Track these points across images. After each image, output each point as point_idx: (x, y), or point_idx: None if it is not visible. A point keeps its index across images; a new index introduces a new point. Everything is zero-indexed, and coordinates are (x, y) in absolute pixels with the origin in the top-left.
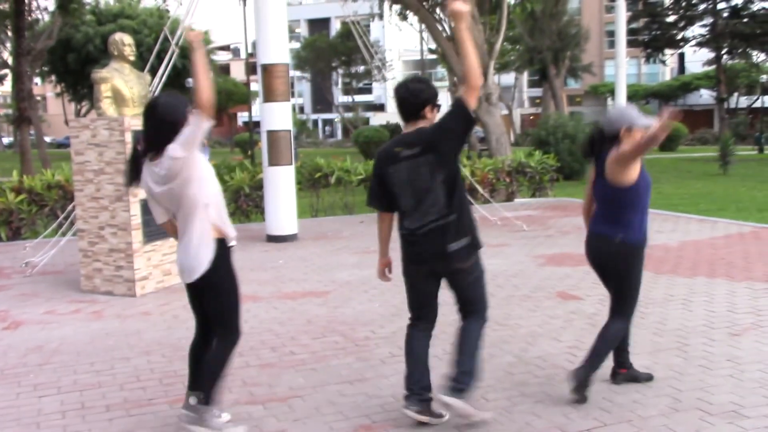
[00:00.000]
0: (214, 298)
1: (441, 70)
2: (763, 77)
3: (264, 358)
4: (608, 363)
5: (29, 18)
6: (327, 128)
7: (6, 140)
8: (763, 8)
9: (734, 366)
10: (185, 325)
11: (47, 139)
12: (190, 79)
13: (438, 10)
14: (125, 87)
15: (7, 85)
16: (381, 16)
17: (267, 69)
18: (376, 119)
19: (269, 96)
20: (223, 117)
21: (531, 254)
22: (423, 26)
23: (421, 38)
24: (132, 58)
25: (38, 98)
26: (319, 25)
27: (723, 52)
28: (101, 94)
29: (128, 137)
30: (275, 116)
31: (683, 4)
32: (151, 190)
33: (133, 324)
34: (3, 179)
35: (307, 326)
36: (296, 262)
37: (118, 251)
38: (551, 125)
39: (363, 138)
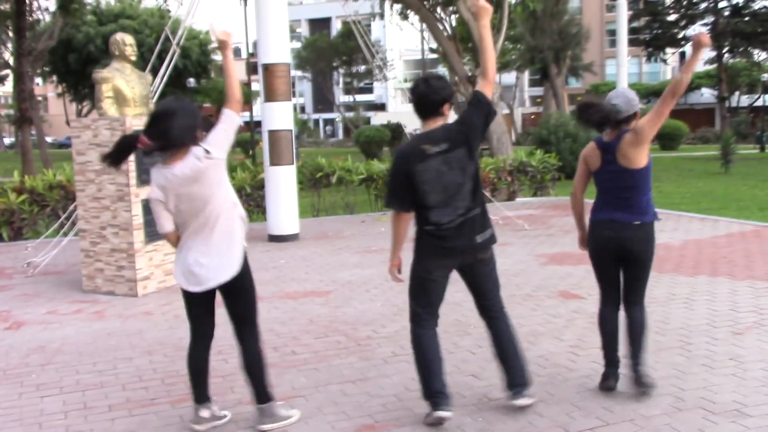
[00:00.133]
0: (244, 296)
1: (442, 70)
2: (765, 76)
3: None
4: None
5: (30, 18)
6: (328, 128)
7: (7, 141)
8: (764, 7)
9: (737, 365)
10: (187, 324)
11: (48, 139)
12: (191, 79)
13: (439, 10)
14: (126, 87)
15: (9, 86)
16: (382, 16)
17: (268, 69)
18: (377, 119)
19: (270, 96)
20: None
21: (532, 253)
22: (424, 26)
23: (422, 38)
24: (133, 58)
25: (39, 98)
26: (320, 24)
27: (724, 50)
28: (102, 94)
29: None
30: (276, 116)
31: (684, 2)
32: (166, 195)
33: (135, 324)
34: (4, 179)
35: (309, 326)
36: (298, 262)
37: (119, 251)
38: (552, 124)
39: (364, 138)
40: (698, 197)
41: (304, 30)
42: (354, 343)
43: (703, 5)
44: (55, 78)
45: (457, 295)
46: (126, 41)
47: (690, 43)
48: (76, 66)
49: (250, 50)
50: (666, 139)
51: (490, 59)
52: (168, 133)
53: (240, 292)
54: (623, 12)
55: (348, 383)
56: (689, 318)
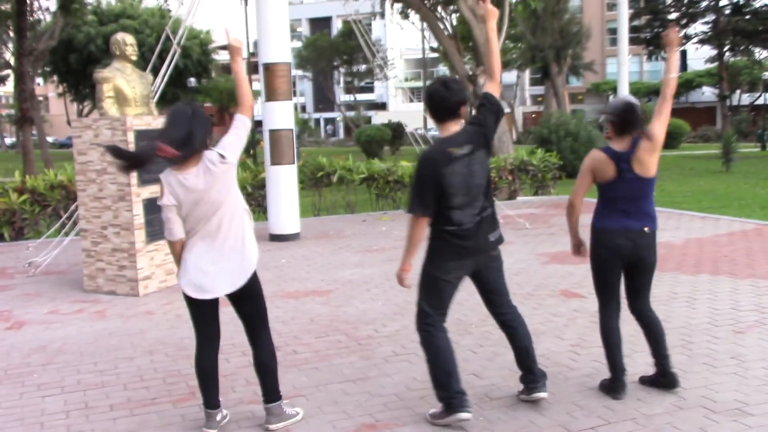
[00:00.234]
0: (255, 299)
1: (443, 69)
2: (766, 74)
3: None
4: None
5: (31, 18)
6: (329, 127)
7: (8, 140)
8: (765, 5)
9: (738, 363)
10: (188, 324)
11: (49, 139)
12: (192, 79)
13: (439, 9)
14: (127, 87)
15: (10, 86)
16: (382, 15)
17: (269, 68)
18: (378, 118)
19: (271, 95)
20: (224, 116)
21: (534, 252)
22: (424, 25)
23: (423, 37)
24: (134, 57)
25: (40, 98)
26: (320, 24)
27: (725, 49)
28: (103, 93)
29: (131, 137)
30: (277, 115)
31: (685, 1)
32: (180, 200)
33: (137, 323)
34: (6, 179)
35: (310, 325)
36: (298, 261)
37: (121, 251)
38: (553, 123)
39: (365, 137)
40: (699, 196)
41: (304, 29)
42: (355, 342)
43: (704, 3)
44: (55, 78)
45: (457, 295)
46: (127, 41)
47: (691, 42)
48: (77, 66)
49: (251, 50)
50: (667, 138)
51: (496, 61)
52: (193, 141)
53: (250, 296)
54: (624, 10)
55: (349, 382)
56: (690, 317)
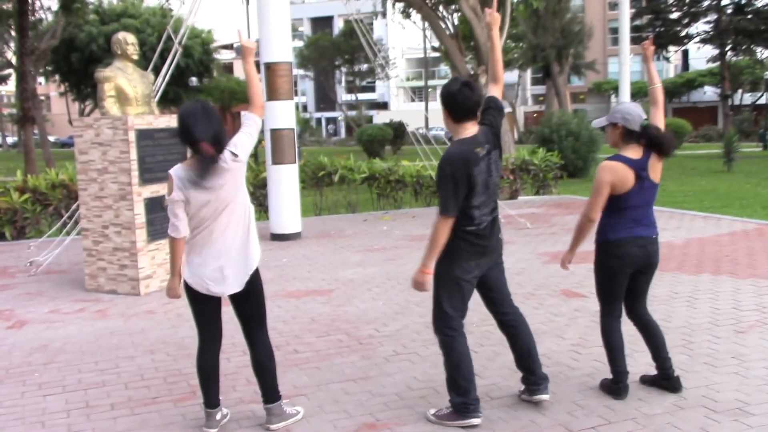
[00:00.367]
0: (256, 297)
1: (444, 68)
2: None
3: None
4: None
5: (33, 18)
6: (330, 127)
7: (10, 140)
8: (767, 4)
9: (739, 363)
10: (189, 323)
11: (51, 138)
12: (193, 78)
13: (441, 8)
14: (129, 86)
15: (11, 85)
16: (384, 14)
17: (270, 67)
18: (380, 117)
19: (272, 94)
20: (226, 116)
21: (535, 252)
22: (426, 24)
23: (425, 36)
24: (135, 57)
25: (42, 98)
26: (322, 23)
27: (727, 48)
28: (105, 93)
29: (132, 136)
30: (278, 115)
31: (687, 0)
32: (188, 197)
33: (138, 323)
34: (7, 179)
35: (311, 325)
36: (300, 261)
37: (122, 250)
38: (555, 123)
39: (366, 136)
40: (701, 195)
41: (306, 29)
42: (356, 341)
43: (706, 3)
44: (57, 77)
45: None
46: (128, 40)
47: (693, 42)
48: (79, 65)
49: None
50: None
51: (500, 65)
52: (221, 137)
53: (252, 295)
54: (626, 10)
55: (349, 382)
56: (692, 316)
